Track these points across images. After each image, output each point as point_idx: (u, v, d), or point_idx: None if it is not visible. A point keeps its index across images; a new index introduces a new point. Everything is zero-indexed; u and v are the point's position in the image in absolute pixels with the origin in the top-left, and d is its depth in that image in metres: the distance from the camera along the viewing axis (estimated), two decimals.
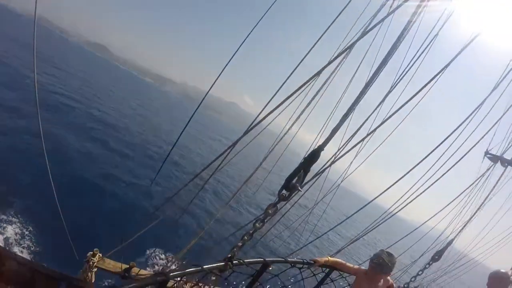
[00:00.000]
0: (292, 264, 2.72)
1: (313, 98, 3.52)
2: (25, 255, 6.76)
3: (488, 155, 6.64)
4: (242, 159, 30.95)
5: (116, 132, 20.62)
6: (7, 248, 6.68)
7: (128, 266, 3.93)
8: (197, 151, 28.65)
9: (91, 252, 3.73)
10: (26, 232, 7.51)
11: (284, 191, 1.66)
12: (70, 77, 33.86)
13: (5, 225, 7.44)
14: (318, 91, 3.52)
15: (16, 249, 6.91)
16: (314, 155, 1.56)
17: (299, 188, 1.63)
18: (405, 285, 5.14)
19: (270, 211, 1.76)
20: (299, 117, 3.71)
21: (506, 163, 6.43)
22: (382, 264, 2.74)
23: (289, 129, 4.04)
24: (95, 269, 3.72)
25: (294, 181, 1.60)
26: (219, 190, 18.94)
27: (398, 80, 3.20)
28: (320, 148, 1.58)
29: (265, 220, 1.82)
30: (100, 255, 3.79)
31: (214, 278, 2.92)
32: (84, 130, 17.36)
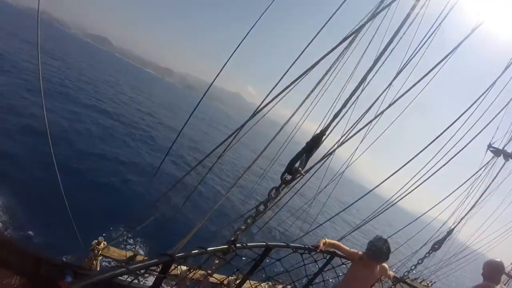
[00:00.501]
0: (294, 249, 2.74)
1: (318, 83, 3.50)
2: (31, 244, 6.85)
3: (491, 148, 6.61)
4: (249, 151, 30.97)
5: (120, 122, 20.74)
6: (13, 237, 6.76)
7: (132, 254, 4.01)
8: (201, 141, 28.72)
9: (96, 241, 3.80)
10: (31, 221, 7.60)
11: (286, 175, 1.67)
12: (71, 68, 33.76)
13: (9, 214, 7.51)
14: (324, 76, 3.49)
15: (21, 239, 7.00)
16: (317, 139, 1.57)
17: (302, 173, 1.64)
18: (405, 273, 5.19)
19: (272, 195, 1.77)
20: (303, 102, 3.70)
21: (508, 156, 6.40)
22: (377, 252, 2.70)
23: (291, 116, 4.04)
24: (100, 257, 3.79)
25: (296, 165, 1.60)
26: (223, 180, 19.04)
27: (404, 66, 3.18)
28: (323, 132, 1.58)
29: (268, 204, 1.83)
30: (105, 243, 3.87)
31: (217, 261, 2.97)
32: (87, 119, 17.43)
